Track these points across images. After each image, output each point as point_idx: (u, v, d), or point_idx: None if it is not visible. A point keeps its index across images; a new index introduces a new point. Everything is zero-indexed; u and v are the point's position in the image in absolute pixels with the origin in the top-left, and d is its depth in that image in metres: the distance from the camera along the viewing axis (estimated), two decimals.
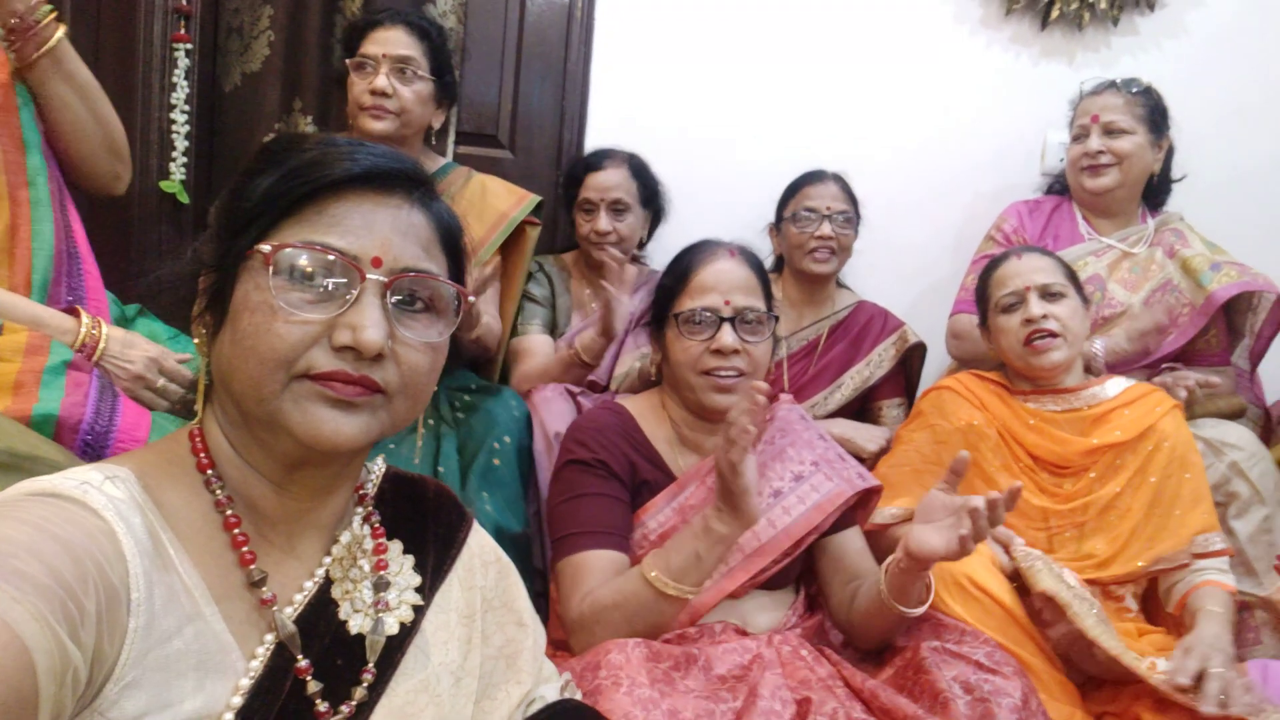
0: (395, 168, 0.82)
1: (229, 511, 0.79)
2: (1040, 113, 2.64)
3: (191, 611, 0.73)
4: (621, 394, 2.06)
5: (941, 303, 2.48)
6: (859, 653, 1.58)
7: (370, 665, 0.84)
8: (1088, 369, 2.03)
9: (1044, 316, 1.83)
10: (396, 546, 0.93)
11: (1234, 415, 2.18)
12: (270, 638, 0.79)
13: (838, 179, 2.36)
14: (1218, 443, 2.02)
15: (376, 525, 0.92)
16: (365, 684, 0.83)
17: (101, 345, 1.37)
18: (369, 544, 0.90)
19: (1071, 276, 1.92)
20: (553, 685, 1.06)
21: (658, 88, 2.62)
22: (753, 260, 1.64)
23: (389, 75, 2.00)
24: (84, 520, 0.68)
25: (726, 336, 1.54)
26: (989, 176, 2.71)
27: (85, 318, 1.38)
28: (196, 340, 0.82)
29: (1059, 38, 2.71)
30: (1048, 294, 1.86)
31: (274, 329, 0.75)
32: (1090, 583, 1.77)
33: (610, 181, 2.27)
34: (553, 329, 2.31)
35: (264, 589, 0.79)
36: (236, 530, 0.79)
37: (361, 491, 0.94)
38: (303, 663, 0.79)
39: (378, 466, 0.98)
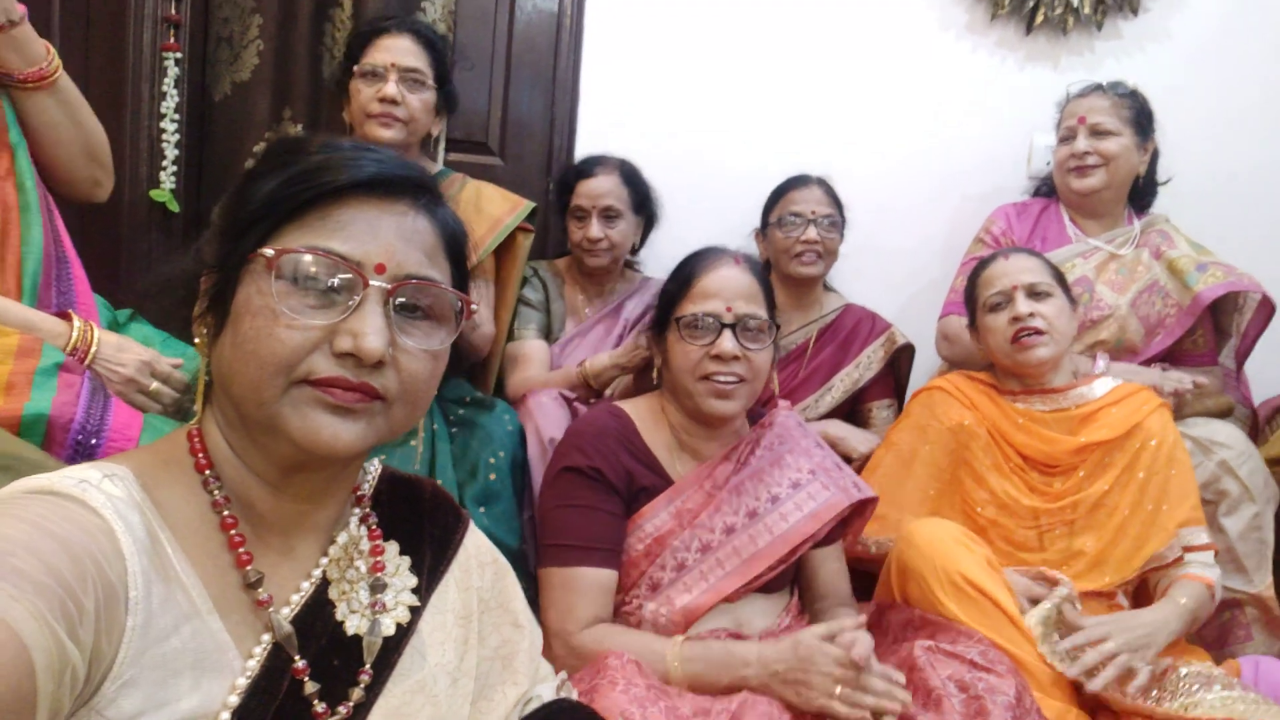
0: (401, 174, 0.82)
1: (226, 512, 0.79)
2: (1026, 116, 2.66)
3: (189, 610, 0.73)
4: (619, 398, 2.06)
5: (931, 305, 2.49)
6: None
7: (367, 666, 0.84)
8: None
9: (1030, 315, 1.85)
10: (393, 548, 0.92)
11: (1222, 414, 2.20)
12: (267, 638, 0.78)
13: (822, 183, 2.37)
14: (1207, 441, 2.04)
15: (373, 526, 0.92)
16: (362, 685, 0.83)
17: (94, 349, 1.36)
18: (366, 545, 0.90)
19: (1058, 277, 1.94)
20: (549, 684, 1.06)
21: (647, 94, 2.64)
22: (756, 269, 1.65)
23: (399, 84, 2.01)
24: (82, 518, 0.67)
25: (727, 342, 1.54)
26: (976, 179, 2.72)
27: (77, 321, 1.37)
28: (197, 341, 0.82)
29: (1044, 42, 2.73)
30: (1034, 293, 1.88)
31: (275, 333, 0.74)
32: (1086, 593, 1.79)
33: (602, 188, 2.28)
34: (547, 334, 2.32)
35: (260, 589, 0.79)
36: (233, 531, 0.79)
37: (359, 492, 0.93)
38: (300, 663, 0.79)
39: (374, 467, 0.97)
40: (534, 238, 2.30)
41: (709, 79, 2.66)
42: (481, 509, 1.82)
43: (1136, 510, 1.82)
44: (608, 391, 2.08)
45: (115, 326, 1.60)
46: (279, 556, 0.83)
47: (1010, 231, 2.42)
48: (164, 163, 2.26)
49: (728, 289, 1.57)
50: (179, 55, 2.27)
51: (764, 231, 2.43)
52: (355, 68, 2.05)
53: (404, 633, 0.88)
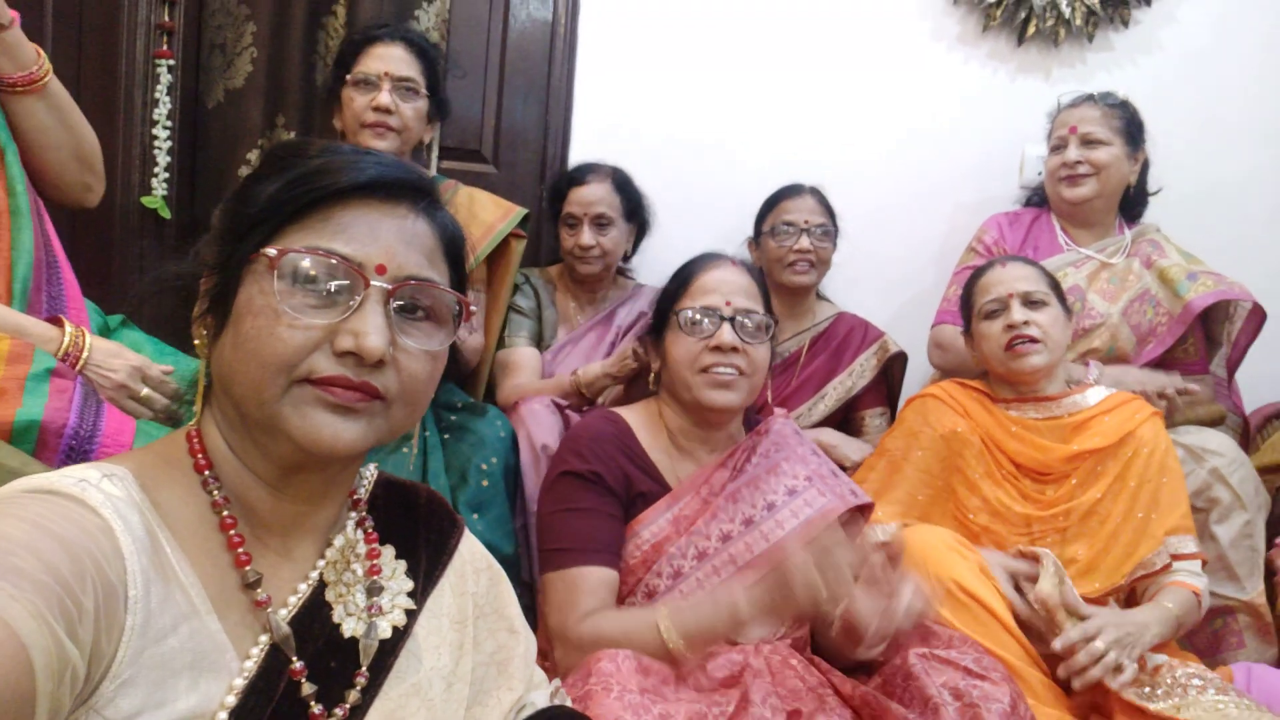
0: (401, 177, 0.83)
1: (225, 513, 0.79)
2: (1018, 127, 2.67)
3: (187, 610, 0.73)
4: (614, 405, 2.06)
5: (923, 314, 2.50)
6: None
7: (363, 668, 0.84)
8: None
9: (1025, 323, 1.86)
10: (389, 551, 0.93)
11: (1213, 423, 2.21)
12: (265, 639, 0.78)
13: (815, 192, 2.38)
14: (1198, 449, 2.05)
15: (370, 530, 0.92)
16: (358, 687, 0.83)
17: (85, 354, 1.36)
18: (362, 548, 0.90)
19: (1054, 286, 1.95)
20: (543, 692, 1.06)
21: (641, 102, 2.65)
22: (754, 271, 1.69)
23: (392, 93, 2.01)
24: (81, 517, 0.67)
25: (726, 334, 1.57)
26: (969, 189, 2.74)
27: (69, 327, 1.37)
28: (196, 342, 0.82)
29: (1035, 54, 2.75)
30: (1030, 302, 1.89)
31: (276, 333, 0.75)
32: None
33: (593, 196, 2.29)
34: (539, 341, 2.31)
35: (259, 590, 0.79)
36: (233, 531, 0.79)
37: (355, 496, 0.94)
38: (297, 664, 0.79)
39: (370, 472, 0.98)
40: (528, 246, 2.30)
41: (702, 88, 2.67)
42: (475, 515, 1.82)
43: (1127, 518, 1.82)
44: (600, 400, 2.08)
45: (106, 332, 1.60)
46: (277, 557, 0.83)
47: (1002, 241, 2.43)
48: (156, 169, 2.26)
49: (726, 286, 1.61)
50: (171, 62, 2.27)
51: (757, 240, 2.44)
52: (348, 76, 2.04)
53: (400, 635, 0.88)
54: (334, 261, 0.77)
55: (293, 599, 0.83)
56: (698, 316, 1.59)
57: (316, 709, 0.79)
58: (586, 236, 2.27)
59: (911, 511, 1.93)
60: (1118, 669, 1.59)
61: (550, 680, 1.10)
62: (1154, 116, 2.41)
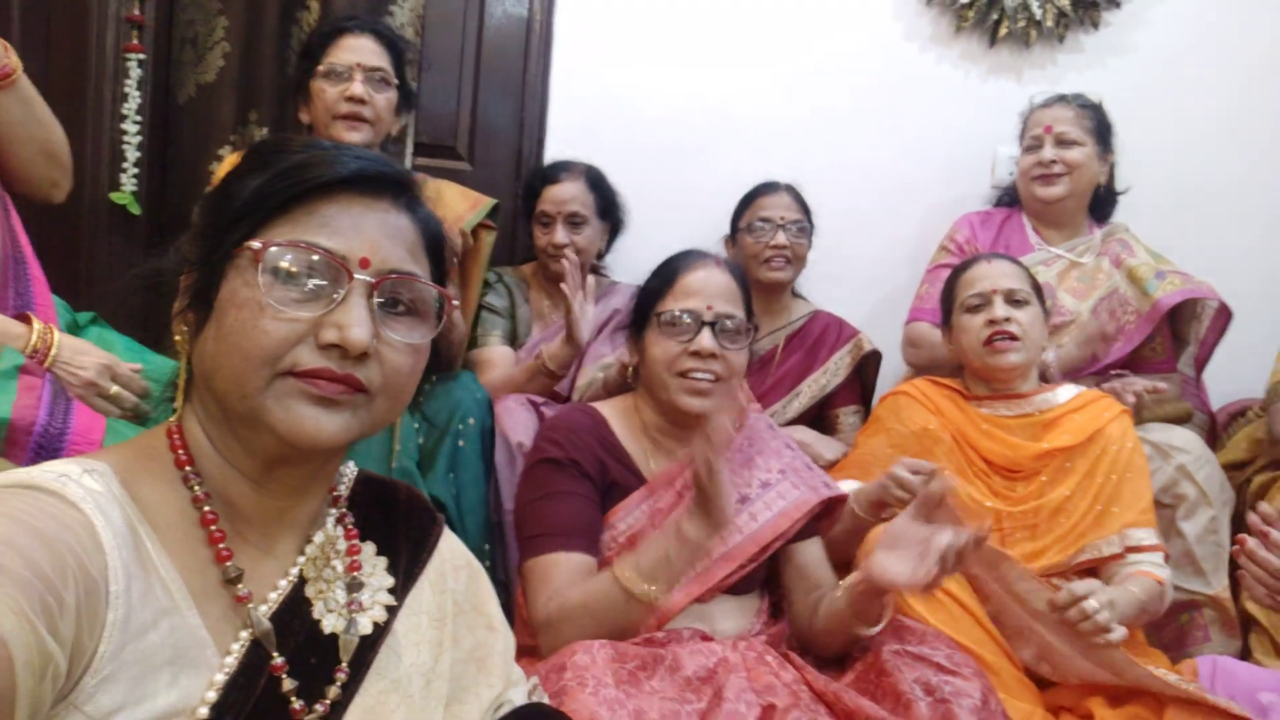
0: (383, 171, 0.84)
1: (206, 508, 0.79)
2: (990, 127, 2.69)
3: (168, 605, 0.73)
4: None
5: (896, 312, 2.52)
6: (821, 657, 1.60)
7: (343, 664, 0.84)
8: (1043, 378, 2.08)
9: (1006, 319, 1.88)
10: (370, 548, 0.93)
11: (1180, 420, 2.25)
12: (245, 634, 0.78)
13: (790, 189, 2.40)
14: (1165, 446, 2.08)
15: (350, 527, 0.92)
16: (339, 683, 0.83)
17: (53, 351, 1.34)
18: (342, 545, 0.90)
19: (1036, 286, 1.98)
20: (520, 689, 1.06)
21: (617, 99, 2.65)
22: (737, 272, 1.67)
23: (365, 84, 1.99)
24: (62, 513, 0.67)
25: (705, 339, 1.56)
26: (941, 189, 2.76)
27: (36, 324, 1.35)
28: (178, 337, 0.82)
29: (1007, 55, 2.77)
30: (1012, 299, 1.91)
31: (260, 325, 0.75)
32: None
33: (566, 194, 2.28)
34: (513, 340, 2.31)
35: (240, 586, 0.79)
36: (213, 527, 0.79)
37: (335, 493, 0.94)
38: (278, 660, 0.79)
39: (350, 470, 0.98)
40: (501, 244, 2.29)
41: (678, 86, 2.67)
42: (451, 474, 1.82)
43: (1087, 512, 1.84)
44: (575, 398, 2.08)
45: (75, 329, 1.58)
46: (258, 553, 0.83)
47: (974, 240, 2.46)
48: (125, 165, 2.23)
49: (708, 288, 1.59)
50: (142, 56, 2.24)
51: (733, 237, 2.44)
52: (318, 68, 2.02)
53: (380, 632, 0.88)
54: (318, 255, 0.78)
55: (273, 595, 0.83)
56: (678, 319, 1.58)
57: (297, 704, 0.80)
58: (560, 235, 2.26)
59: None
60: (1107, 629, 1.59)
61: (527, 678, 1.11)
62: (1124, 117, 2.44)
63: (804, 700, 1.37)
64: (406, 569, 0.94)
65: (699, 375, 1.56)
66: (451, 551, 1.01)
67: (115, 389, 1.40)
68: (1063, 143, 2.34)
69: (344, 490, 0.95)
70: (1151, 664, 1.69)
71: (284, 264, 0.77)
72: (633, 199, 2.43)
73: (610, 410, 1.67)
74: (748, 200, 2.41)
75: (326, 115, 2.01)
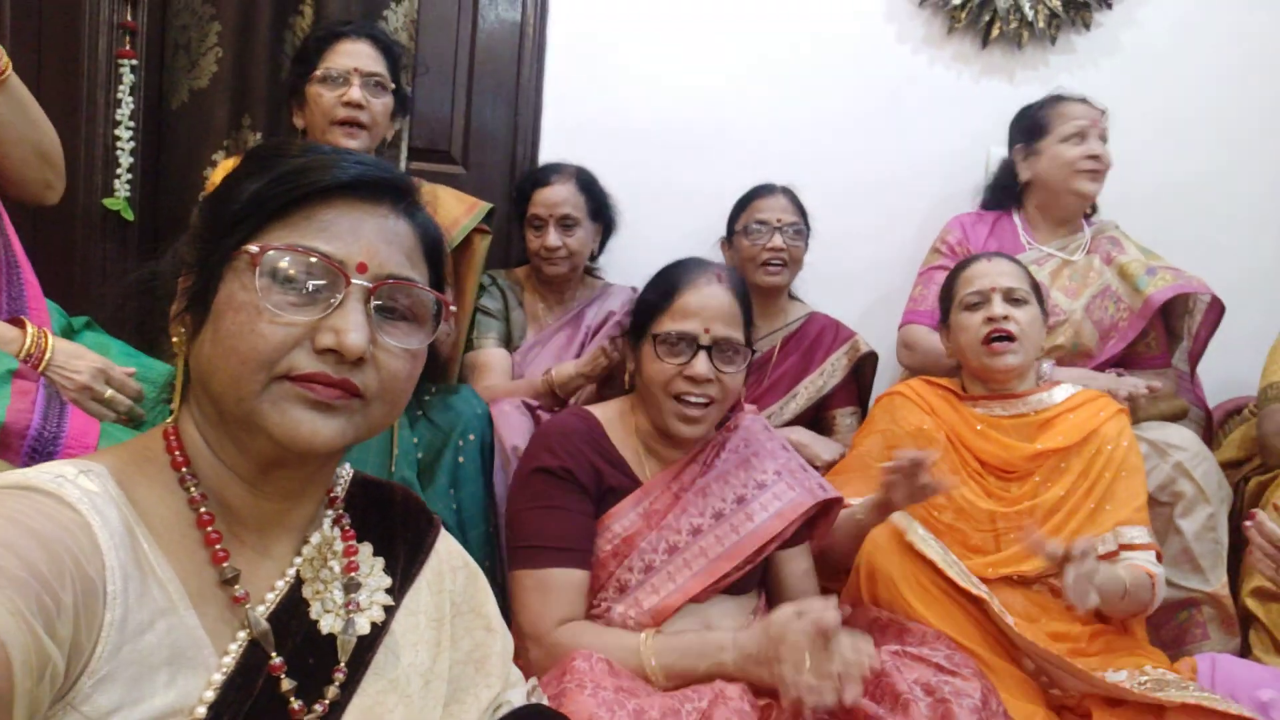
0: (382, 177, 0.84)
1: (202, 510, 0.79)
2: (982, 128, 2.70)
3: (165, 606, 0.73)
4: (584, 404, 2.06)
5: (891, 314, 2.52)
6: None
7: (342, 664, 0.84)
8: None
9: (1005, 318, 1.88)
10: (367, 549, 0.93)
11: (1176, 417, 2.25)
12: (243, 635, 0.78)
13: (787, 192, 2.40)
14: (1162, 444, 2.08)
15: (347, 528, 0.92)
16: (337, 683, 0.83)
17: (48, 355, 1.34)
18: (339, 546, 0.90)
19: (1035, 286, 1.98)
20: (519, 690, 1.06)
21: (610, 103, 2.65)
22: (738, 286, 1.63)
23: (363, 89, 1.99)
24: (59, 513, 0.67)
25: (700, 365, 1.54)
26: (934, 190, 2.76)
27: (30, 328, 1.35)
28: (175, 340, 0.82)
29: (999, 56, 2.78)
30: (1011, 298, 1.91)
31: (257, 329, 0.75)
32: (1021, 580, 1.81)
33: (558, 197, 2.28)
34: (508, 342, 2.31)
35: (236, 586, 0.79)
36: (210, 528, 0.79)
37: (332, 495, 0.94)
38: (276, 660, 0.79)
39: (346, 471, 0.98)
40: (496, 247, 2.29)
41: (671, 89, 2.68)
42: (451, 490, 1.82)
43: (1082, 511, 1.84)
44: (573, 401, 2.08)
45: (69, 333, 1.57)
46: (255, 554, 0.83)
47: (966, 241, 2.46)
48: (118, 170, 2.22)
49: (708, 309, 1.56)
50: (135, 62, 2.23)
51: (730, 240, 2.44)
52: (315, 73, 2.02)
53: (378, 632, 0.88)
54: (315, 259, 0.78)
55: (270, 595, 0.83)
56: (675, 341, 1.55)
57: (296, 704, 0.80)
58: (552, 238, 2.26)
59: None
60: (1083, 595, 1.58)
61: (526, 679, 1.10)
62: (1115, 116, 2.45)
63: None
64: (404, 570, 0.94)
65: (693, 398, 1.55)
66: (449, 553, 1.01)
67: (110, 393, 1.39)
68: (1104, 139, 2.35)
69: (341, 492, 0.95)
70: (1151, 663, 1.69)
71: (281, 268, 0.77)
72: (628, 202, 2.43)
73: (605, 414, 1.67)
74: (744, 202, 2.41)
75: (323, 120, 2.00)
